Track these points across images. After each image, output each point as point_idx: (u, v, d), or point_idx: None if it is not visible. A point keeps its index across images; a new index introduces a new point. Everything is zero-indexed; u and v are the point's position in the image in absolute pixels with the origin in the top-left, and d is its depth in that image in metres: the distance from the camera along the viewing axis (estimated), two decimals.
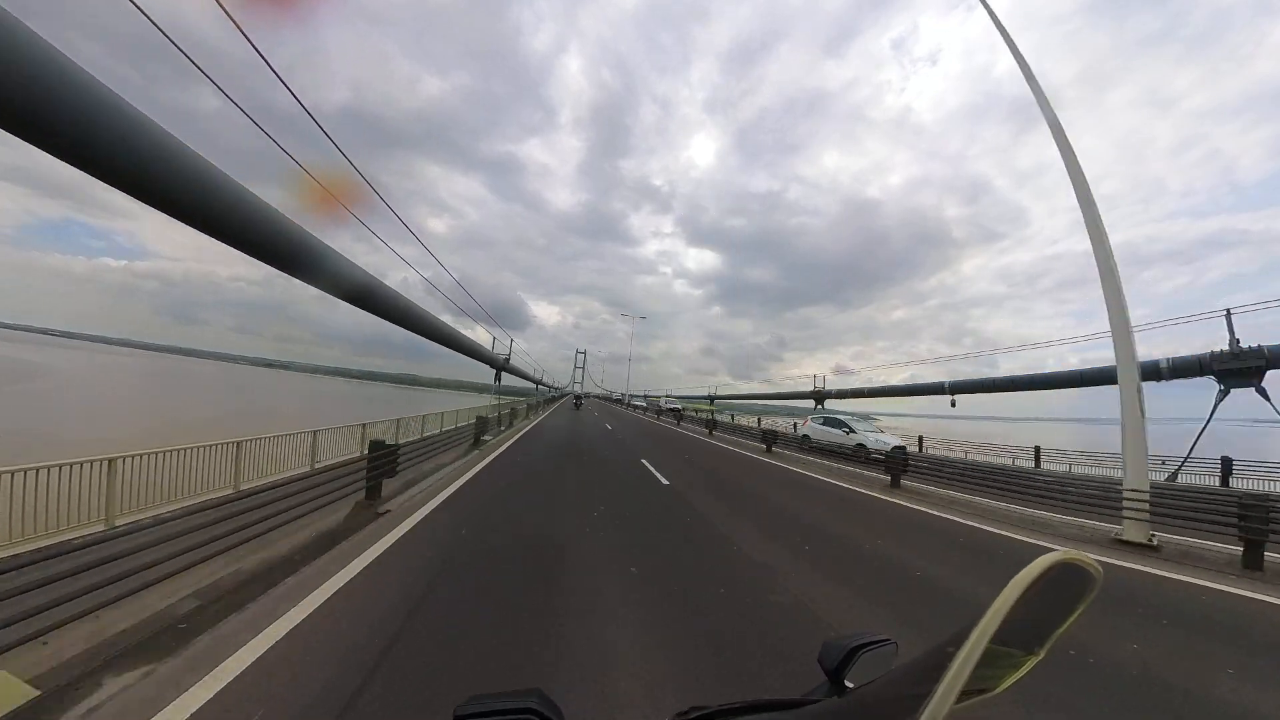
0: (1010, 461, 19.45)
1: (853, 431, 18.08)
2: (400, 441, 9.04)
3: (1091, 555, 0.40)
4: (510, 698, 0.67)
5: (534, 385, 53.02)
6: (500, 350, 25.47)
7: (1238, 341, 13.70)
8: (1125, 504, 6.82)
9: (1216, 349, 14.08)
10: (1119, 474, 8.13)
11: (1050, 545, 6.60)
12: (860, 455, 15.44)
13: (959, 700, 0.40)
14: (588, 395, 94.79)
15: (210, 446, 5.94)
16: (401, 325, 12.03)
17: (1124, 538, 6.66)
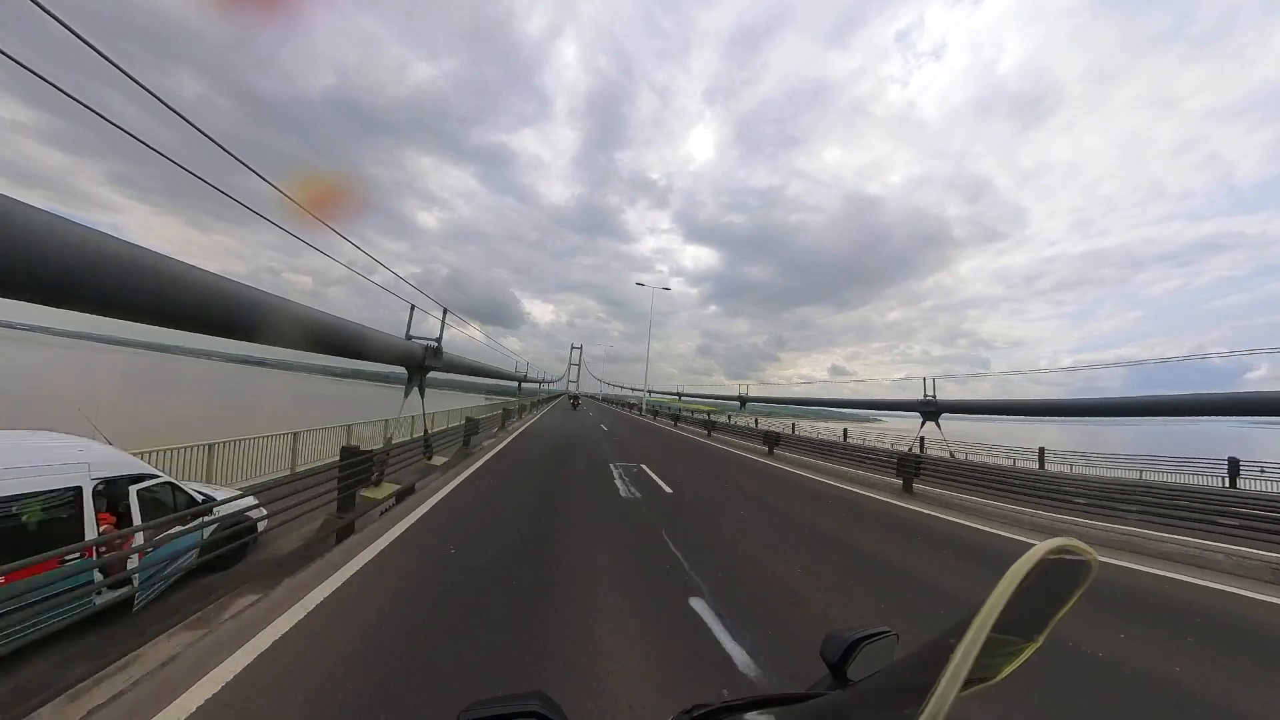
0: (1012, 461, 19.96)
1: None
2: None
3: (1086, 543, 0.42)
4: (513, 700, 0.68)
5: (519, 387, 48.14)
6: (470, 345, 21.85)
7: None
8: None
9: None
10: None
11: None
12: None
13: (961, 689, 0.40)
14: (583, 395, 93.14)
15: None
16: (375, 360, 10.70)
17: None
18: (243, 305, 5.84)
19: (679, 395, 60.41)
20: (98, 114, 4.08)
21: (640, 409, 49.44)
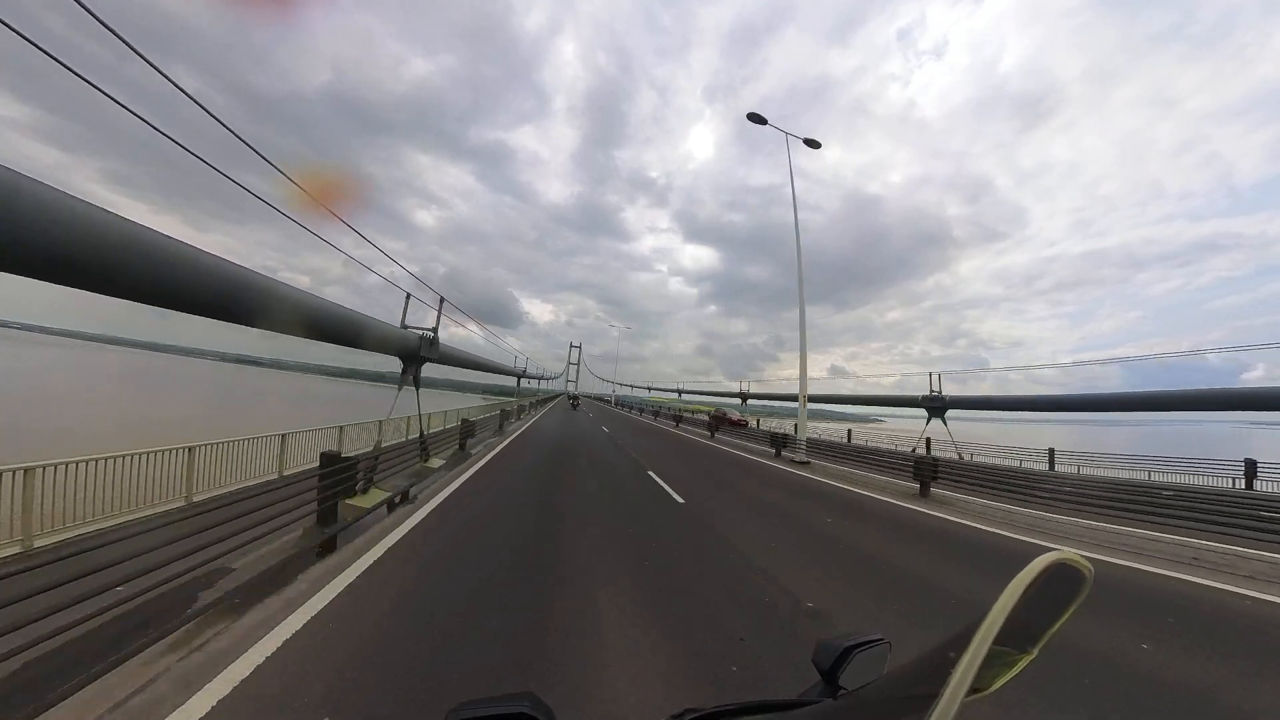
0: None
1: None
2: None
3: (1084, 555, 0.41)
4: (502, 701, 0.67)
5: (518, 383, 46.01)
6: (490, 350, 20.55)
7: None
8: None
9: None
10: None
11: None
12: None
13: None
14: (583, 395, 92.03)
15: None
16: (374, 350, 10.43)
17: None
18: (243, 288, 5.79)
19: (742, 398, 41.92)
20: (111, 97, 4.05)
21: (792, 440, 16.94)
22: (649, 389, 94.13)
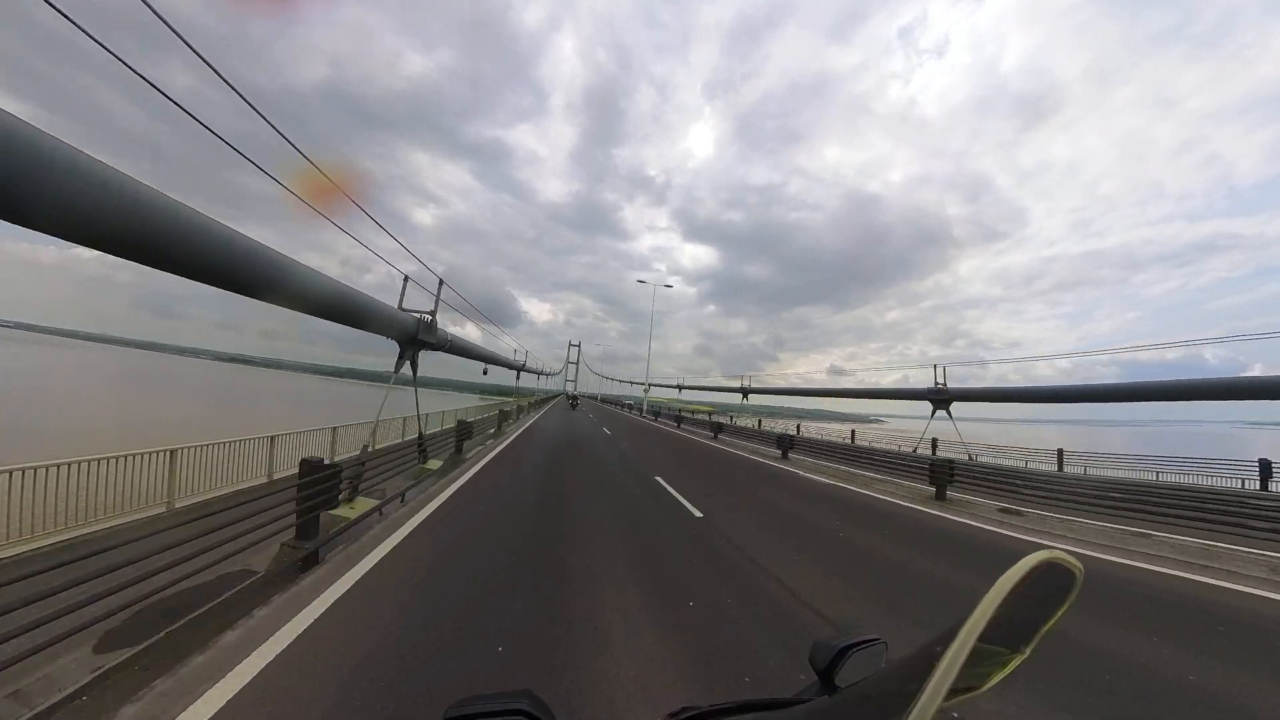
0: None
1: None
2: None
3: (1073, 555, 0.42)
4: (500, 699, 0.68)
5: (517, 378, 37.38)
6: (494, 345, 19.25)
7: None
8: None
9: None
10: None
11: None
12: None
13: (947, 698, 0.40)
14: (583, 395, 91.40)
15: None
16: (378, 333, 10.52)
17: None
18: (255, 260, 5.81)
19: (939, 403, 18.42)
20: (168, 98, 4.02)
21: None
22: (679, 388, 65.37)
